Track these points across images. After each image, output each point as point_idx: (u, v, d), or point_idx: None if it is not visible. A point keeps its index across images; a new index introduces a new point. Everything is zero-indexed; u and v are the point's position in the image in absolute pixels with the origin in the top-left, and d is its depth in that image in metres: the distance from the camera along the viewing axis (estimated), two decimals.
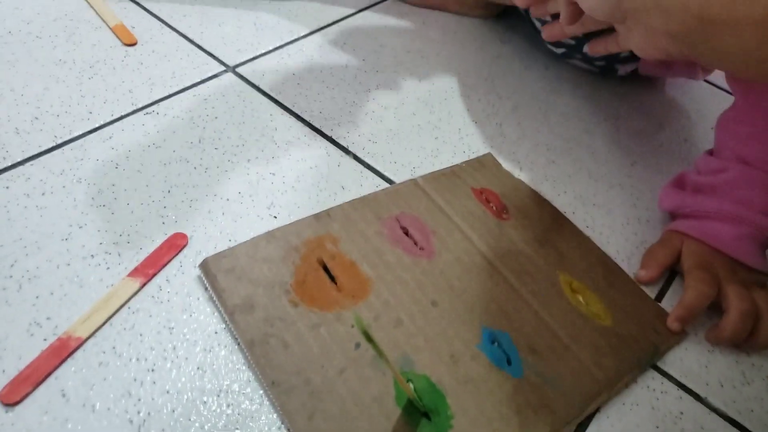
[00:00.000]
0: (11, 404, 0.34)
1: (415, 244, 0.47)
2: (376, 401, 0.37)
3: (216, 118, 0.55)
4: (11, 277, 0.40)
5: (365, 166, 0.54)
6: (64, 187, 0.46)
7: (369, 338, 0.31)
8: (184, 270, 0.43)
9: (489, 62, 0.70)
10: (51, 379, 0.36)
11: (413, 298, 0.43)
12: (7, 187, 0.46)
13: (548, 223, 0.52)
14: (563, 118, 0.64)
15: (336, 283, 0.43)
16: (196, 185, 0.49)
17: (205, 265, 0.42)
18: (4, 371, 0.36)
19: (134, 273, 0.42)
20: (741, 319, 0.44)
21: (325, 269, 0.44)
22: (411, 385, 0.38)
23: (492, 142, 0.59)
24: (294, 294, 0.42)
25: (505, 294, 0.45)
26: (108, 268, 0.42)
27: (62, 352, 0.37)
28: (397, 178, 0.53)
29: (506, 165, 0.57)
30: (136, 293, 0.41)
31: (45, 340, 0.37)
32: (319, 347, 0.39)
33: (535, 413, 0.39)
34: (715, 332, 0.45)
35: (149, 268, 0.42)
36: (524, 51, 0.73)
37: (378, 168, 0.54)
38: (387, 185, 0.52)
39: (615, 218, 0.55)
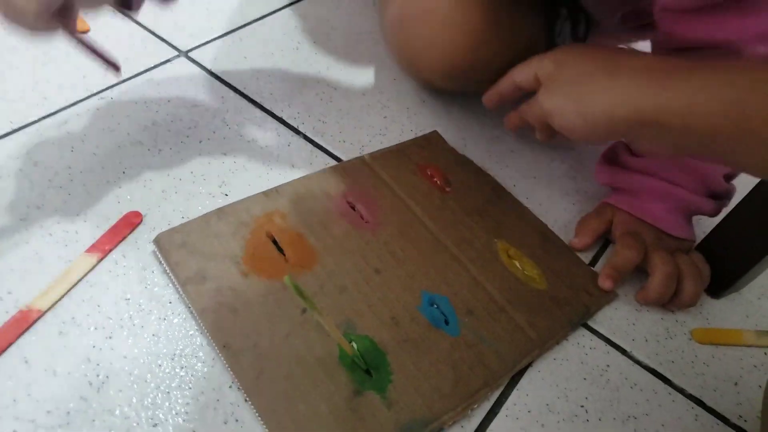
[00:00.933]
0: None
1: (361, 217, 0.50)
2: (320, 362, 0.40)
3: (169, 101, 0.57)
4: None
5: (315, 146, 0.56)
6: (20, 170, 0.48)
7: (301, 294, 0.34)
8: (139, 246, 0.45)
9: None
10: (13, 348, 0.38)
11: (357, 266, 0.46)
12: None
13: (488, 194, 0.55)
14: None
15: (284, 255, 0.46)
16: (150, 166, 0.51)
17: (158, 241, 0.44)
18: None
19: (91, 249, 0.44)
20: (664, 280, 0.48)
21: (274, 242, 0.46)
22: (354, 345, 0.41)
23: (439, 120, 0.62)
24: (244, 265, 0.44)
25: (445, 261, 0.48)
26: (66, 245, 0.44)
27: (23, 323, 0.39)
28: (346, 157, 0.56)
29: (452, 142, 0.60)
30: (93, 268, 0.43)
31: (7, 312, 0.39)
32: (266, 313, 0.42)
33: (470, 369, 0.42)
34: (643, 293, 0.49)
35: (106, 245, 0.44)
36: None
37: (327, 147, 0.57)
38: (336, 163, 0.55)
39: (554, 190, 0.58)
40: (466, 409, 0.40)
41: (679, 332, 0.49)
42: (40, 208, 0.46)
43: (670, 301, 0.49)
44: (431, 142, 0.59)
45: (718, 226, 0.51)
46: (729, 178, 0.51)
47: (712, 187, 0.50)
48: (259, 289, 0.43)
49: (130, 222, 0.46)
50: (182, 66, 0.61)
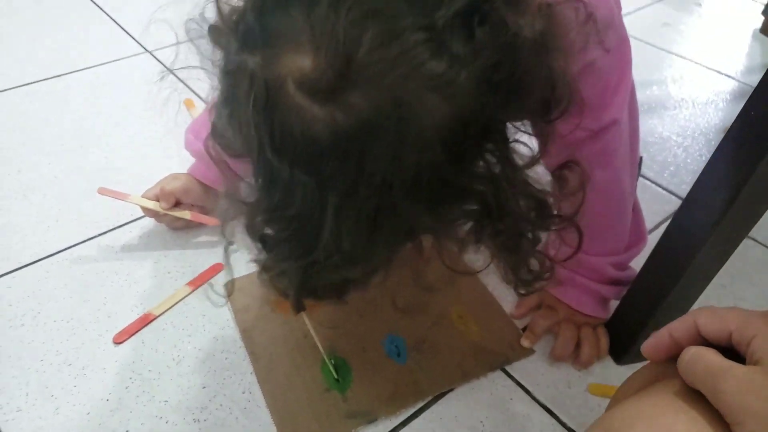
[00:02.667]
0: (118, 343, 0.65)
1: None
2: (308, 368, 0.63)
3: None
4: (126, 280, 0.72)
5: None
6: (161, 233, 0.79)
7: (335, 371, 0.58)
8: (217, 284, 0.73)
9: None
10: (138, 334, 0.66)
11: (347, 312, 0.69)
12: (131, 231, 0.79)
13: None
14: None
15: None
16: (234, 235, 0.79)
17: (226, 285, 0.70)
18: (116, 327, 0.67)
19: (190, 283, 0.72)
20: (563, 343, 0.66)
21: None
22: (332, 362, 0.64)
23: None
24: (273, 305, 0.69)
25: (410, 314, 0.70)
26: (176, 279, 0.73)
27: (144, 321, 0.68)
28: None
29: None
30: (189, 294, 0.71)
31: (138, 314, 0.68)
32: (282, 335, 0.66)
33: (406, 386, 0.63)
34: (551, 351, 0.67)
35: (198, 282, 0.73)
36: None
37: None
38: None
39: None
40: (395, 410, 0.61)
41: (578, 384, 0.65)
42: (167, 257, 0.76)
43: (574, 360, 0.66)
44: None
45: (616, 308, 0.67)
46: (619, 266, 0.67)
47: (606, 276, 0.67)
48: (280, 321, 0.68)
49: (215, 269, 0.74)
50: None
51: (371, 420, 0.60)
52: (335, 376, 0.63)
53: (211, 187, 0.76)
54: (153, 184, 0.77)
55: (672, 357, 0.39)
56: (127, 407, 0.59)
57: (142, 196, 0.75)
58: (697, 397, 0.34)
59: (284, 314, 0.69)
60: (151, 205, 0.74)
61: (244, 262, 0.75)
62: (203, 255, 0.76)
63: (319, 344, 0.63)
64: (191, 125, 0.76)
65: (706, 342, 0.36)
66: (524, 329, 0.71)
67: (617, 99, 0.56)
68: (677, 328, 0.37)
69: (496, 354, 0.67)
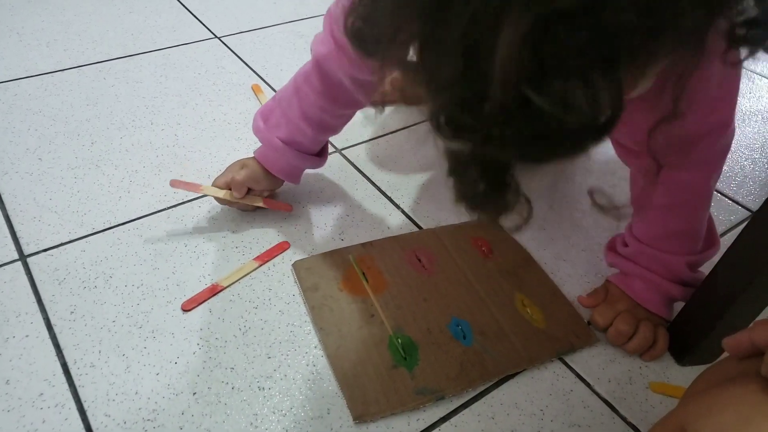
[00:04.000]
0: (186, 311, 0.67)
1: (423, 267, 0.74)
2: (376, 345, 0.65)
3: (322, 180, 0.88)
4: (194, 252, 0.74)
5: (407, 216, 0.83)
6: (228, 210, 0.81)
7: (358, 267, 0.57)
8: (284, 262, 0.74)
9: None
10: (206, 303, 0.68)
11: (412, 295, 0.70)
12: (200, 206, 0.81)
13: (519, 262, 0.76)
14: (566, 198, 0.88)
15: (368, 282, 0.71)
16: (300, 216, 0.81)
17: (294, 264, 0.73)
18: (185, 295, 0.69)
19: (257, 258, 0.74)
20: (614, 335, 0.66)
21: (363, 274, 0.72)
22: (399, 340, 0.65)
23: None
24: (341, 284, 0.71)
25: (474, 300, 0.70)
26: (243, 254, 0.75)
27: (212, 291, 0.69)
28: (426, 226, 0.81)
29: (507, 226, 0.82)
30: (255, 269, 0.73)
31: (206, 284, 0.70)
32: (349, 313, 0.67)
33: (472, 366, 0.63)
34: (606, 334, 0.67)
35: (266, 257, 0.74)
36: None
37: (415, 219, 0.83)
38: (416, 230, 0.80)
39: (576, 270, 0.77)
40: (462, 389, 0.61)
41: (639, 381, 0.65)
42: (235, 233, 0.78)
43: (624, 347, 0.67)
44: (484, 223, 0.82)
45: (682, 309, 0.66)
46: (694, 267, 0.67)
47: (679, 276, 0.66)
48: (348, 300, 0.69)
49: (282, 247, 0.76)
50: (337, 159, 0.92)
51: (439, 397, 0.60)
52: (402, 353, 0.64)
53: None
54: (220, 162, 0.79)
55: (749, 356, 0.39)
56: (195, 371, 0.61)
57: (213, 185, 0.77)
58: None
59: (351, 293, 0.70)
60: (224, 194, 0.76)
61: (310, 243, 0.77)
62: (270, 233, 0.78)
63: (385, 321, 0.64)
64: (261, 110, 0.78)
65: None
66: (589, 323, 0.70)
67: (728, 104, 0.59)
68: (760, 333, 0.38)
69: (560, 341, 0.67)
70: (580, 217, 0.86)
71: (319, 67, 0.68)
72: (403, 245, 0.77)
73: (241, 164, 0.77)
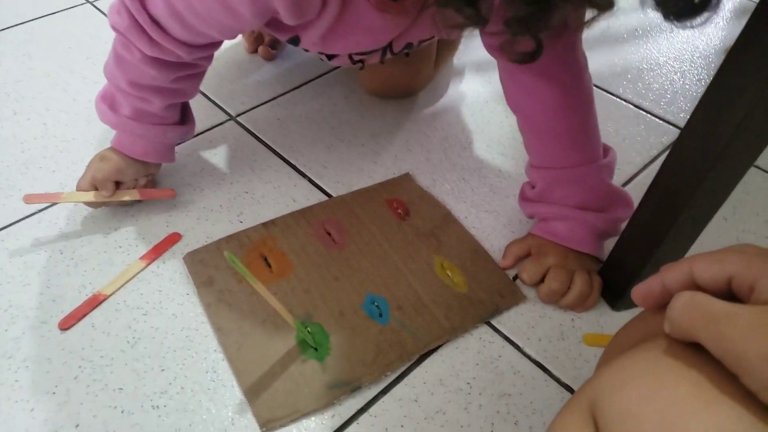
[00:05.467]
0: (64, 329, 0.59)
1: (333, 240, 0.67)
2: (283, 338, 0.58)
3: (215, 154, 0.79)
4: (72, 258, 0.65)
5: (314, 186, 0.75)
6: (109, 210, 0.71)
7: (237, 266, 0.47)
8: (176, 257, 0.66)
9: (430, 101, 0.89)
10: (87, 318, 0.60)
11: (321, 275, 0.63)
12: (75, 205, 0.71)
13: (438, 221, 0.70)
14: (484, 145, 0.82)
15: (270, 268, 0.64)
16: (193, 201, 0.72)
17: (185, 258, 0.65)
18: (62, 311, 0.60)
19: (144, 257, 0.65)
20: (547, 294, 0.61)
21: (265, 260, 0.65)
22: (308, 330, 0.58)
23: (418, 165, 0.78)
24: (240, 276, 0.63)
25: (390, 271, 0.64)
26: (128, 254, 0.66)
27: (94, 302, 0.61)
28: (337, 194, 0.74)
29: (425, 182, 0.76)
30: (143, 270, 0.64)
31: (86, 295, 0.62)
32: (250, 307, 0.60)
33: (390, 347, 0.57)
34: (538, 291, 0.63)
35: (153, 255, 0.66)
36: (462, 93, 0.91)
37: (324, 187, 0.75)
38: (325, 199, 0.73)
39: (499, 221, 0.71)
40: (380, 375, 0.55)
41: (572, 335, 0.60)
42: (118, 230, 0.69)
43: (560, 302, 0.62)
44: (402, 181, 0.75)
45: (613, 247, 0.61)
46: (607, 174, 0.63)
47: (597, 194, 0.62)
48: (248, 291, 0.61)
49: (172, 240, 0.67)
50: (231, 128, 0.83)
51: (354, 388, 0.54)
52: (312, 344, 0.57)
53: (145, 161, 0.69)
54: (103, 152, 0.69)
55: (665, 305, 0.33)
56: (77, 399, 0.54)
57: (77, 190, 0.67)
58: (695, 352, 0.28)
59: (253, 285, 0.62)
60: (91, 197, 0.67)
61: (204, 231, 0.69)
62: (158, 225, 0.69)
63: (290, 310, 0.57)
64: (100, 93, 0.67)
65: (701, 291, 0.30)
66: (515, 278, 0.65)
67: None
68: (670, 275, 0.31)
69: (484, 304, 0.62)
70: (502, 161, 0.80)
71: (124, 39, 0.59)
72: (309, 219, 0.70)
73: (100, 157, 0.67)
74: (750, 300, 0.28)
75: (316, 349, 0.57)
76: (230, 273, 0.63)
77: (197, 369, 0.56)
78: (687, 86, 0.95)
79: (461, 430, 0.53)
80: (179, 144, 0.77)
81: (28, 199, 0.65)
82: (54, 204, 0.71)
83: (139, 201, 0.70)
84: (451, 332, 0.59)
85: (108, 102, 0.65)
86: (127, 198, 0.68)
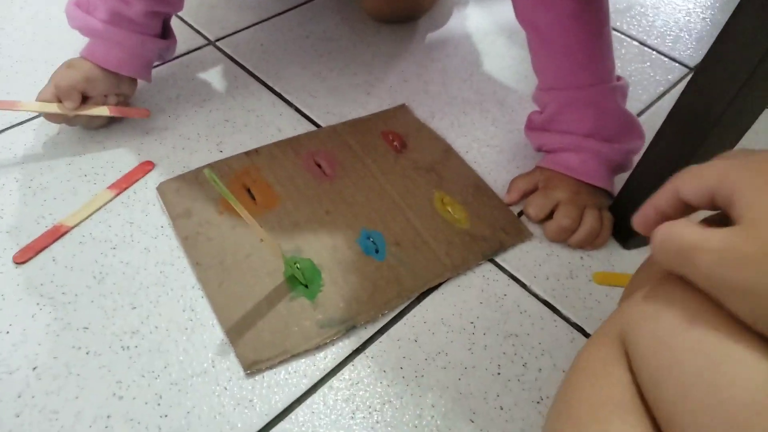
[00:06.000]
0: (20, 263, 0.52)
1: (324, 172, 0.61)
2: (269, 274, 0.52)
3: (192, 80, 0.71)
4: (30, 187, 0.58)
5: (302, 115, 0.68)
6: (73, 129, 0.64)
7: (217, 184, 0.41)
8: (148, 187, 0.59)
9: (427, 31, 0.82)
10: (47, 251, 0.53)
11: (311, 208, 0.58)
12: (33, 129, 0.64)
13: (438, 155, 0.64)
14: (485, 77, 0.76)
15: (255, 200, 0.58)
16: (167, 128, 0.65)
17: (159, 187, 0.58)
18: (18, 244, 0.54)
19: (112, 186, 0.59)
20: (556, 231, 0.56)
21: (248, 191, 0.59)
22: (297, 265, 0.53)
23: (415, 97, 0.72)
24: (221, 206, 0.57)
25: (387, 206, 0.59)
26: (95, 183, 0.59)
27: (55, 234, 0.54)
28: (325, 125, 0.67)
29: (423, 114, 0.69)
30: (111, 200, 0.58)
31: (46, 227, 0.55)
32: (233, 241, 0.54)
33: (387, 284, 0.52)
34: (544, 230, 0.58)
35: (123, 184, 0.59)
36: (462, 24, 0.84)
37: (312, 117, 0.68)
38: (315, 129, 0.67)
39: (503, 156, 0.66)
40: (376, 314, 0.50)
41: (581, 274, 0.56)
42: (82, 156, 0.62)
43: (570, 241, 0.57)
44: (398, 113, 0.69)
45: (625, 183, 0.57)
46: (621, 96, 0.58)
47: (615, 111, 0.57)
48: (230, 224, 0.56)
49: (144, 169, 0.61)
50: (210, 53, 0.75)
51: (349, 327, 0.49)
52: (302, 281, 0.52)
53: (117, 73, 0.61)
54: (71, 59, 0.61)
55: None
56: (35, 339, 0.48)
57: (38, 100, 0.59)
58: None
59: (236, 217, 0.56)
60: (54, 108, 0.59)
61: (180, 161, 0.62)
62: (128, 153, 0.62)
63: (277, 244, 0.51)
64: None
65: (691, 208, 0.28)
66: (520, 214, 0.60)
67: None
68: (660, 197, 0.30)
69: (488, 240, 0.57)
70: (504, 94, 0.74)
71: None
72: (297, 149, 0.63)
73: (68, 65, 0.60)
74: (731, 216, 0.25)
75: (306, 286, 0.52)
76: (210, 204, 0.57)
77: (173, 307, 0.50)
78: (692, 24, 0.90)
79: (465, 371, 0.48)
80: (156, 66, 0.69)
81: None
82: (9, 128, 0.63)
83: (111, 121, 0.63)
84: (453, 269, 0.54)
85: (83, 6, 0.58)
86: (94, 113, 0.60)
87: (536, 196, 0.58)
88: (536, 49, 0.59)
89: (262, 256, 0.53)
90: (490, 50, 0.80)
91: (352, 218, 0.57)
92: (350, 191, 0.60)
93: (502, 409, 0.46)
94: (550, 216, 0.58)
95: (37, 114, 0.64)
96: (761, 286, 0.22)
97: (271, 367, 0.47)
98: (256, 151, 0.62)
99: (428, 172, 0.62)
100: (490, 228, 0.58)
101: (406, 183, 0.61)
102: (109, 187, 0.59)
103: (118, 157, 0.62)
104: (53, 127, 0.64)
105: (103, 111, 0.61)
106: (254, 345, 0.48)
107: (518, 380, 0.48)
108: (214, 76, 0.72)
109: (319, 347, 0.49)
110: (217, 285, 0.51)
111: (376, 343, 0.50)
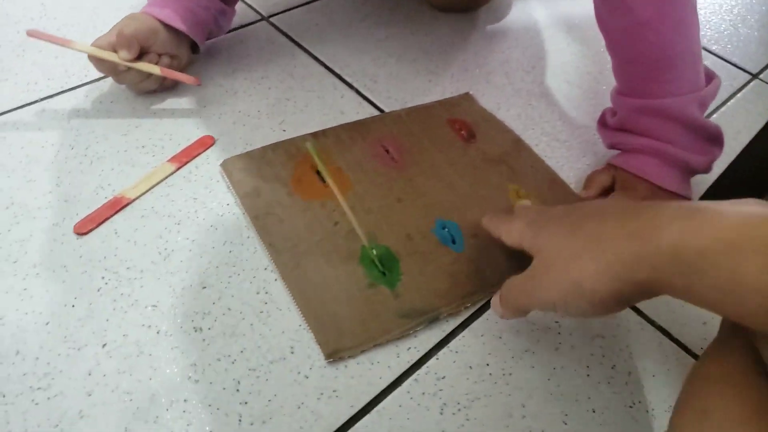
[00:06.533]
0: (81, 234, 0.49)
1: (392, 159, 0.59)
2: (344, 260, 0.49)
3: (248, 55, 0.68)
4: (86, 156, 0.55)
5: (364, 98, 0.66)
6: (126, 98, 0.61)
7: (319, 157, 0.40)
8: (209, 162, 0.56)
9: (486, 22, 0.80)
10: (108, 222, 0.50)
11: (383, 195, 0.55)
12: (86, 95, 0.61)
13: (508, 147, 0.62)
14: (548, 71, 0.74)
15: (325, 183, 0.55)
16: (226, 103, 0.62)
17: (224, 164, 0.55)
18: (77, 214, 0.50)
19: (172, 160, 0.56)
20: None
21: (317, 173, 0.56)
22: (374, 252, 0.50)
23: (479, 86, 0.70)
24: (291, 188, 0.54)
25: (460, 196, 0.56)
26: (153, 155, 0.56)
27: (116, 205, 0.51)
28: (389, 110, 0.65)
29: (488, 105, 0.67)
30: (172, 174, 0.55)
31: (106, 198, 0.52)
32: (305, 223, 0.51)
33: (467, 277, 0.50)
34: None
35: (183, 158, 0.56)
36: (522, 17, 0.82)
37: (374, 101, 0.66)
38: (378, 114, 0.64)
39: (573, 152, 0.64)
40: (459, 306, 0.48)
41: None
42: (139, 127, 0.58)
43: None
44: (463, 101, 0.67)
45: (710, 187, 0.55)
46: (702, 107, 0.55)
47: (695, 122, 0.54)
48: (301, 206, 0.53)
49: (204, 143, 0.58)
50: (264, 29, 0.72)
51: (432, 318, 0.47)
52: (380, 268, 0.49)
53: (179, 30, 0.59)
54: (132, 13, 0.58)
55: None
56: (102, 315, 0.44)
57: (93, 45, 0.56)
58: None
59: (305, 197, 0.53)
60: (106, 55, 0.56)
61: (241, 137, 0.59)
62: (188, 125, 0.59)
63: (357, 227, 0.49)
64: None
65: None
66: None
67: None
68: (493, 231, 0.48)
69: None
70: (569, 90, 0.72)
71: None
72: (364, 134, 0.61)
73: (132, 17, 0.57)
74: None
75: (384, 274, 0.49)
76: (280, 184, 0.54)
77: (246, 289, 0.47)
78: (754, 31, 0.89)
79: (554, 372, 0.46)
80: (211, 39, 0.66)
81: (32, 33, 0.55)
82: (61, 92, 0.60)
83: (166, 92, 0.60)
84: None
85: None
86: (145, 69, 0.57)
87: (618, 196, 0.56)
88: (610, 53, 0.57)
89: (337, 242, 0.51)
90: (550, 44, 0.78)
91: (424, 207, 0.55)
92: (420, 179, 0.57)
93: (594, 412, 0.44)
94: None
95: (89, 82, 0.61)
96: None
97: (352, 356, 0.44)
98: (323, 132, 0.60)
99: (499, 164, 0.60)
100: None
101: (476, 174, 0.59)
102: (169, 160, 0.56)
103: (175, 130, 0.59)
104: (105, 95, 0.61)
105: (155, 69, 0.58)
106: (335, 333, 0.45)
107: (608, 383, 0.46)
108: (271, 53, 0.69)
109: (401, 337, 0.46)
110: (292, 268, 0.49)
111: (459, 337, 0.47)
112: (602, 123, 0.61)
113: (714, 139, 0.56)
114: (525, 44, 0.77)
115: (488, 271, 0.51)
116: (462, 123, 0.64)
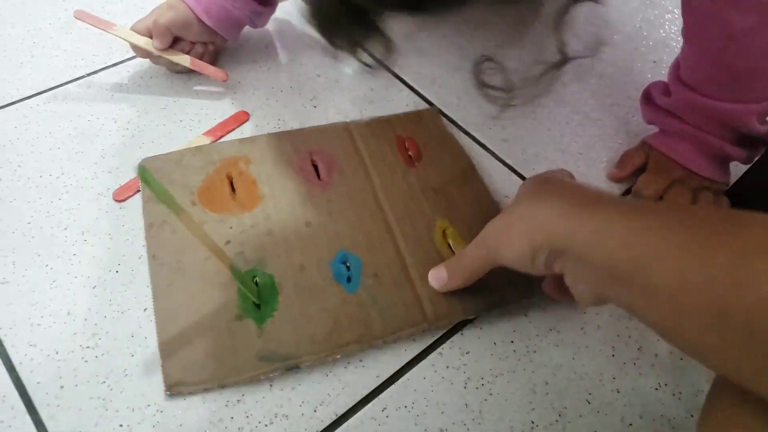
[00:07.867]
0: (119, 201, 0.51)
1: (318, 176, 0.54)
2: (222, 285, 0.45)
3: (283, 31, 0.69)
4: (128, 129, 0.57)
5: (396, 77, 0.66)
6: (165, 75, 0.63)
7: (149, 184, 0.34)
8: (244, 135, 0.58)
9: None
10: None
11: (292, 216, 0.50)
12: (128, 71, 0.63)
13: (455, 175, 0.55)
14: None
15: (234, 194, 0.51)
16: (260, 80, 0.64)
17: (142, 164, 0.52)
18: (120, 185, 0.53)
19: (208, 133, 0.57)
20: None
21: (231, 183, 0.52)
22: (255, 280, 0.46)
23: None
24: (196, 196, 0.51)
25: (377, 229, 0.50)
26: (190, 129, 0.58)
27: None
28: (418, 87, 0.65)
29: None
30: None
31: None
32: (195, 240, 0.40)
33: (350, 324, 0.44)
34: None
35: (219, 132, 0.58)
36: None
37: (405, 78, 0.66)
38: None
39: (605, 131, 0.63)
40: (328, 357, 0.43)
41: None
42: (177, 102, 0.60)
43: None
44: (424, 117, 0.61)
45: (747, 171, 0.54)
46: (762, 118, 0.52)
47: (744, 134, 0.52)
48: (201, 218, 0.49)
49: (239, 119, 0.59)
50: (298, 5, 0.73)
51: (290, 366, 0.42)
52: (255, 299, 0.45)
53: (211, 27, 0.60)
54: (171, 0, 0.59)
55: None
56: (143, 281, 0.47)
57: (132, 29, 0.58)
58: None
59: (208, 208, 0.50)
60: (142, 42, 0.58)
61: (274, 113, 0.60)
62: (221, 101, 0.61)
63: (219, 255, 0.41)
64: None
65: None
66: (627, 192, 0.58)
67: None
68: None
69: (489, 289, 0.46)
70: (602, 67, 0.71)
71: None
72: (296, 144, 0.56)
73: (168, 5, 0.58)
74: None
75: (258, 306, 0.45)
76: (185, 192, 0.51)
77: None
78: None
79: (579, 351, 0.47)
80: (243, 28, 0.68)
81: (79, 14, 0.58)
82: (104, 68, 0.62)
83: (190, 72, 0.61)
84: (433, 320, 0.45)
85: None
86: (175, 59, 0.59)
87: (649, 175, 0.56)
88: (684, 40, 0.53)
89: (219, 265, 0.42)
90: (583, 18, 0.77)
91: (333, 235, 0.49)
92: (340, 203, 0.52)
93: (618, 392, 0.45)
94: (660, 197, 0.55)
95: (130, 58, 0.63)
96: None
97: (193, 393, 0.41)
98: (252, 140, 0.56)
99: (438, 193, 0.53)
100: (497, 276, 0.43)
101: (407, 204, 0.52)
102: (204, 134, 0.57)
103: (210, 105, 0.60)
104: (146, 71, 0.63)
105: (185, 61, 0.60)
106: (183, 364, 0.42)
107: (633, 364, 0.46)
108: (303, 30, 0.70)
109: (251, 381, 0.42)
110: (166, 286, 0.45)
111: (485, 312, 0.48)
112: (647, 98, 0.59)
113: (765, 142, 0.54)
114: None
115: (375, 321, 0.45)
116: (412, 142, 0.58)
